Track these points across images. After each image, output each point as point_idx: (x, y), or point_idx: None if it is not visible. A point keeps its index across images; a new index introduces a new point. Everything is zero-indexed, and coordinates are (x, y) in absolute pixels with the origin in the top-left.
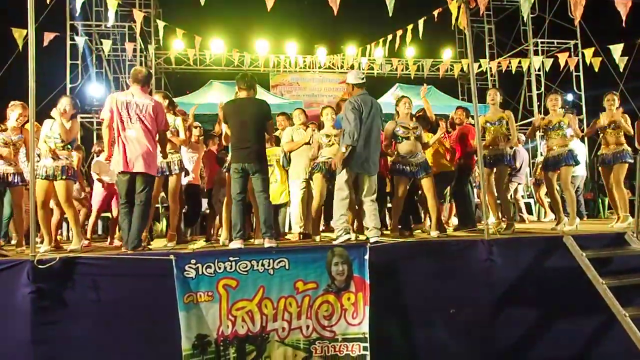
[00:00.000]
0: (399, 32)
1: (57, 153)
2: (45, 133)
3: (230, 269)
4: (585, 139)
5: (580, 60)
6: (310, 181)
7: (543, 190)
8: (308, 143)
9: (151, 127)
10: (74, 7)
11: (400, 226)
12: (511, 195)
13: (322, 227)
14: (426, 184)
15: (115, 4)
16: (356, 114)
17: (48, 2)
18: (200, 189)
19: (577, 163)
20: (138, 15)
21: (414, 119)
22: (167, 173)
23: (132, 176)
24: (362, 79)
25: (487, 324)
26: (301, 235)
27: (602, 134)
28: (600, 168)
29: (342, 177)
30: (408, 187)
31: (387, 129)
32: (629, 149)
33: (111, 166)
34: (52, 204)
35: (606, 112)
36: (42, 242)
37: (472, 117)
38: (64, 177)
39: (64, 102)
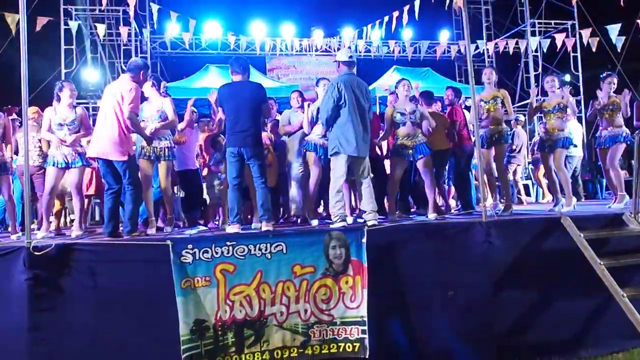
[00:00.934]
0: (395, 14)
1: (68, 140)
2: (50, 120)
3: (228, 253)
4: (583, 119)
5: (578, 41)
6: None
7: (541, 171)
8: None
9: (119, 112)
10: None
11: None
12: (510, 177)
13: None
14: (423, 165)
15: None
16: (335, 97)
17: None
18: (198, 174)
19: (573, 146)
20: None
21: (412, 101)
22: (155, 159)
23: (108, 162)
24: (351, 57)
25: (485, 306)
26: (299, 218)
27: (599, 116)
28: (597, 149)
29: (336, 161)
30: (405, 169)
31: (386, 114)
32: (627, 130)
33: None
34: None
35: (604, 93)
36: (38, 229)
37: (463, 97)
38: (79, 164)
39: (68, 87)
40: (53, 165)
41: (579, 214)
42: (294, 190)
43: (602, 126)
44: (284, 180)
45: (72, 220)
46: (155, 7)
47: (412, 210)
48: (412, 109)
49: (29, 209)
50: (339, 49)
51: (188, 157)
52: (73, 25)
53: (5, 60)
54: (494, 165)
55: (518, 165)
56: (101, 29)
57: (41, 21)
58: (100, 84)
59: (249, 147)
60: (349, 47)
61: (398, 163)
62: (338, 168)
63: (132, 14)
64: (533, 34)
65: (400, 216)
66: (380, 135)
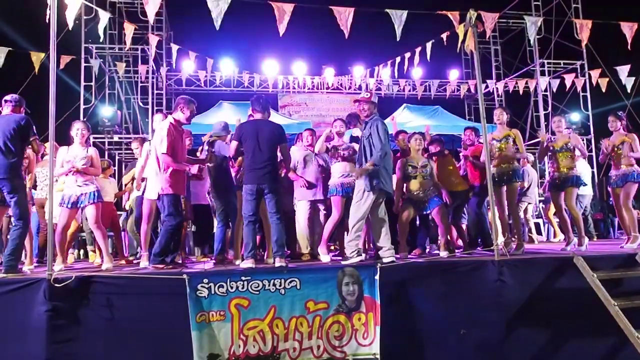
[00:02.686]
0: (407, 55)
1: (78, 165)
2: (62, 159)
3: (242, 288)
4: (594, 158)
5: (587, 81)
6: (316, 204)
7: (552, 210)
8: None
9: None
10: (89, 31)
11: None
12: (521, 216)
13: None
14: (437, 214)
15: (132, 28)
16: (386, 135)
17: (69, 28)
18: (209, 209)
19: (582, 185)
20: (153, 39)
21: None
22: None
23: None
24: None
25: (497, 345)
26: (310, 256)
27: (611, 155)
28: (610, 189)
29: (369, 197)
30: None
31: (399, 165)
32: (639, 168)
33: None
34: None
35: (614, 133)
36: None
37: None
38: (94, 201)
39: (79, 126)
40: (63, 205)
41: (592, 254)
42: (301, 228)
43: (613, 165)
44: (287, 217)
45: (86, 252)
46: (174, 47)
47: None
48: (423, 163)
49: (51, 240)
50: (350, 87)
51: (200, 192)
52: (94, 63)
53: (25, 96)
54: (505, 203)
55: (529, 203)
56: (120, 67)
57: (64, 59)
58: (116, 119)
59: (267, 183)
60: (358, 87)
61: (408, 207)
62: (367, 205)
63: (152, 53)
64: (542, 73)
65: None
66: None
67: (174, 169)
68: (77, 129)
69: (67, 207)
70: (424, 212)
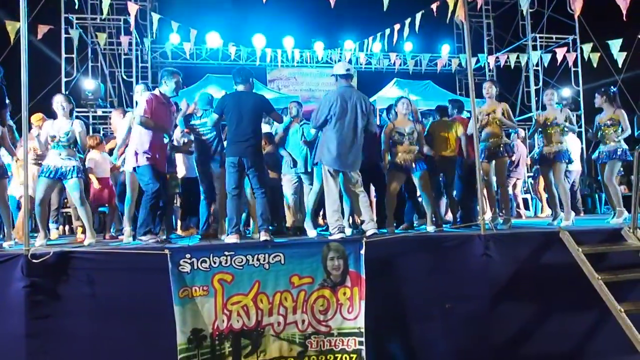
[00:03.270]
0: (397, 27)
1: (63, 153)
2: (47, 133)
3: (226, 263)
4: (583, 133)
5: (579, 56)
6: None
7: (541, 184)
8: None
9: None
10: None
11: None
12: (510, 191)
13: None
14: (420, 179)
15: None
16: (327, 105)
17: None
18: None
19: (570, 162)
20: (132, 8)
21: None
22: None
23: None
24: (348, 69)
25: (483, 319)
26: (298, 231)
27: (600, 132)
28: (598, 164)
29: (325, 175)
30: (402, 182)
31: (385, 132)
32: (625, 146)
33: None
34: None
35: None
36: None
37: (468, 111)
38: (75, 176)
39: (59, 100)
40: (45, 176)
41: (578, 228)
42: (290, 202)
43: (602, 141)
44: (275, 191)
45: (71, 228)
46: (155, 17)
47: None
48: (410, 129)
49: (28, 216)
50: (339, 61)
51: (192, 165)
52: (74, 33)
53: (6, 68)
54: (493, 178)
55: (518, 179)
56: (102, 37)
57: (42, 29)
58: (100, 93)
59: (249, 156)
60: (348, 60)
61: (395, 177)
62: (330, 181)
63: (133, 23)
64: (534, 48)
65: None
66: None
67: (153, 143)
68: (58, 102)
69: (46, 177)
70: (412, 174)
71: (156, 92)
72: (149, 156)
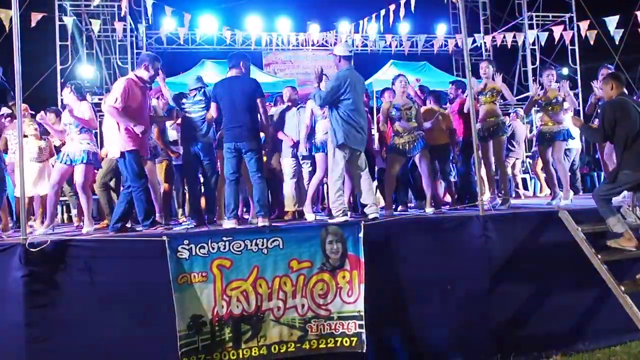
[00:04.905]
0: (392, 7)
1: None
2: (63, 122)
3: (224, 249)
4: (581, 112)
5: (576, 34)
6: (302, 161)
7: (540, 164)
8: None
9: None
10: None
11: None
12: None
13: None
14: (420, 159)
15: None
16: (339, 85)
17: None
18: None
19: (572, 138)
20: None
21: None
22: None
23: None
24: (350, 51)
25: (482, 299)
26: (296, 214)
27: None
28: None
29: (337, 154)
30: (402, 164)
31: (382, 108)
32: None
33: None
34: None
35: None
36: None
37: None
38: (85, 161)
39: (68, 90)
40: (60, 162)
41: (577, 207)
42: (288, 187)
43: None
44: (274, 176)
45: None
46: (149, 2)
47: (410, 205)
48: (407, 105)
49: (24, 205)
50: (335, 43)
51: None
52: (68, 20)
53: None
54: (492, 158)
55: (517, 159)
56: (96, 24)
57: (35, 17)
58: (96, 80)
59: (245, 141)
60: (347, 41)
61: (396, 160)
62: (339, 161)
63: (124, 8)
64: (531, 27)
65: (402, 210)
66: (374, 127)
67: (119, 123)
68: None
69: (65, 164)
70: (412, 155)
71: (132, 75)
72: (131, 139)
